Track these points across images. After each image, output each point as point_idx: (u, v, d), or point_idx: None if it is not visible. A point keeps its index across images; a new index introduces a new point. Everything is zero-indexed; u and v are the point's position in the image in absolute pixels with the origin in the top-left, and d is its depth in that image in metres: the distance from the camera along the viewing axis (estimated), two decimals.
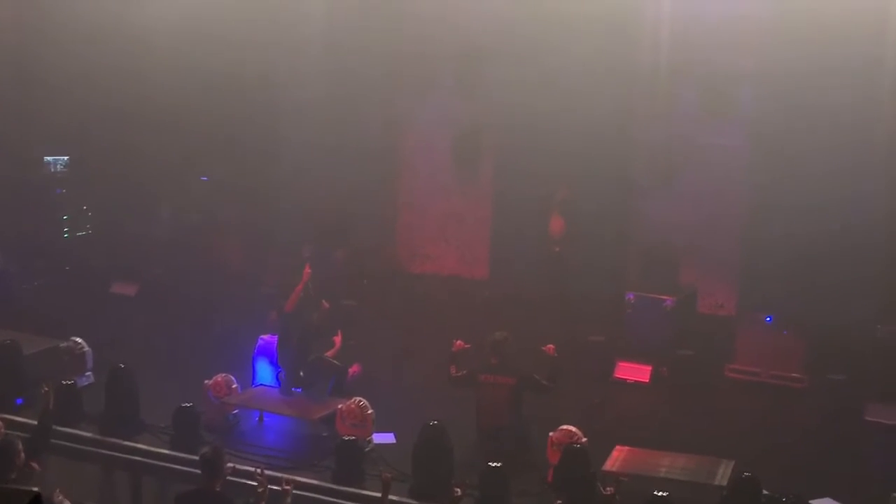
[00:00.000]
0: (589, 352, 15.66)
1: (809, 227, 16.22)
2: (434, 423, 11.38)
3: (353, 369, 13.58)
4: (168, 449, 12.21)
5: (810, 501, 10.96)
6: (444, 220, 20.10)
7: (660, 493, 9.75)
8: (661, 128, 17.87)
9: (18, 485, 8.86)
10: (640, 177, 18.12)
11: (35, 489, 5.95)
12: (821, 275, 15.97)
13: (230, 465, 9.88)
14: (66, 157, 19.44)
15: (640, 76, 17.64)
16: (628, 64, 17.59)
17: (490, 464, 10.86)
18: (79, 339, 13.92)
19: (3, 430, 9.92)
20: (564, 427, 11.39)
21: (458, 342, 12.80)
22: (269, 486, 9.32)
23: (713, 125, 17.59)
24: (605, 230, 17.87)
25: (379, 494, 9.90)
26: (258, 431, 12.90)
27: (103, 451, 12.35)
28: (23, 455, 9.18)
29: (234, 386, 12.96)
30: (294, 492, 9.66)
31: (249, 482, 10.19)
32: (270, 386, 13.53)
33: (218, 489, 9.49)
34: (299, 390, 13.19)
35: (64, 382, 12.55)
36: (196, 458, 10.51)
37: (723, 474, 11.04)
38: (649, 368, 15.14)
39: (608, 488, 9.21)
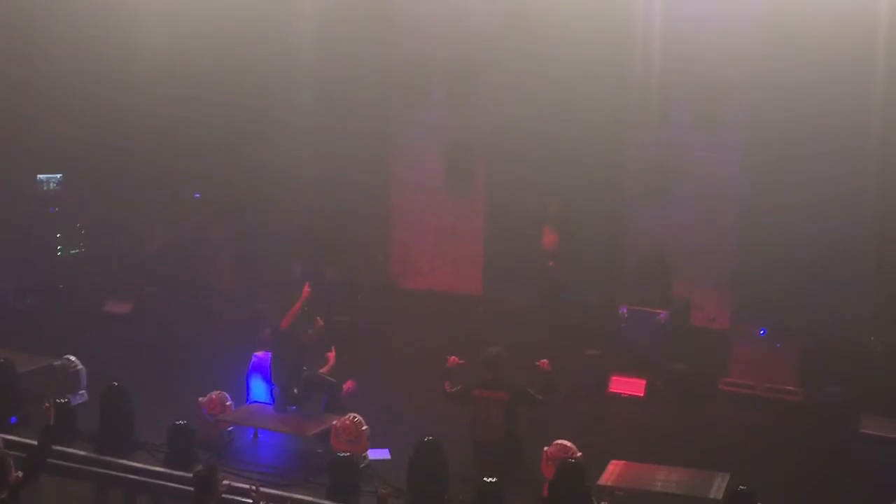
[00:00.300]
0: (583, 366, 15.64)
1: (803, 239, 16.26)
2: (429, 439, 11.38)
3: (348, 385, 13.56)
4: (162, 467, 12.18)
5: None
6: (437, 236, 20.07)
7: None
8: (653, 140, 17.89)
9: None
10: (632, 190, 18.14)
11: None
12: (815, 287, 16.01)
13: (225, 482, 9.84)
14: (58, 175, 19.41)
15: (632, 88, 17.67)
16: (620, 76, 17.63)
17: (485, 479, 10.85)
18: (73, 358, 13.90)
19: (1, 447, 9.86)
20: (559, 441, 11.37)
21: (453, 358, 12.81)
22: None
23: (706, 137, 17.60)
24: (598, 244, 17.89)
25: None
26: (253, 448, 12.88)
27: (98, 470, 12.31)
28: (15, 472, 9.13)
29: (228, 403, 12.94)
30: None
31: (244, 500, 10.17)
32: (265, 403, 13.50)
33: None
34: (294, 408, 13.17)
35: (58, 401, 12.49)
36: (190, 475, 10.49)
37: (718, 488, 11.02)
38: (644, 382, 15.11)
39: (603, 503, 9.19)
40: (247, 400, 13.78)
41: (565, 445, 11.30)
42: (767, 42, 16.64)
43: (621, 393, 15.12)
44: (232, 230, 19.49)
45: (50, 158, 19.25)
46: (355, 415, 12.21)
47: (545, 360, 12.55)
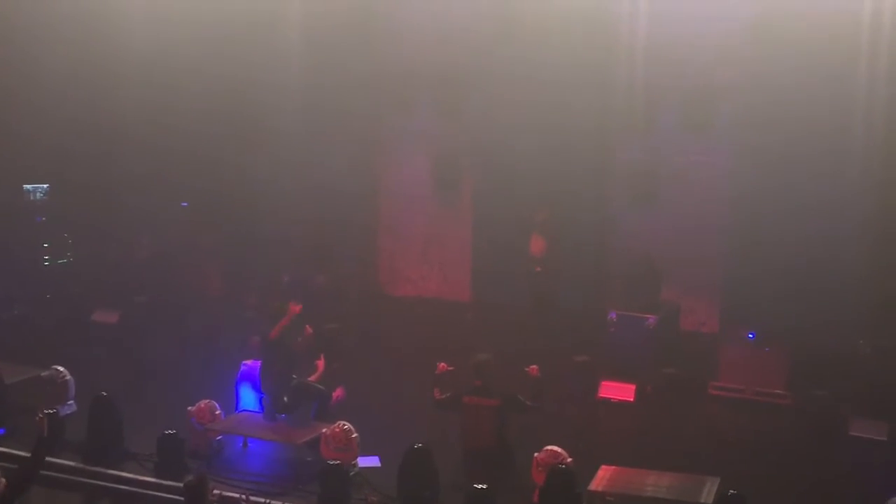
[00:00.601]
0: (573, 372, 15.64)
1: (791, 243, 16.29)
2: (419, 446, 11.37)
3: (337, 393, 13.54)
4: (152, 477, 12.14)
5: None
6: (425, 243, 20.09)
7: None
8: (641, 145, 17.93)
9: None
10: (621, 195, 18.15)
11: None
12: (803, 291, 16.04)
13: (216, 491, 9.84)
14: (45, 185, 19.37)
15: (621, 94, 17.69)
16: (608, 82, 17.66)
17: (476, 485, 10.84)
18: (61, 368, 13.84)
19: None
20: (549, 447, 11.36)
21: (442, 365, 12.83)
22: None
23: (694, 141, 17.66)
24: (586, 249, 17.91)
25: None
26: (243, 457, 12.85)
27: (87, 480, 12.27)
28: (3, 481, 9.11)
29: (217, 412, 12.91)
30: None
31: None
32: (254, 411, 13.48)
33: None
34: (284, 417, 13.14)
35: (47, 411, 12.45)
36: (181, 486, 10.47)
37: (708, 492, 11.04)
38: (633, 387, 15.12)
39: None
40: (236, 409, 13.75)
41: (556, 451, 11.30)
42: (756, 45, 16.70)
43: (611, 398, 15.12)
44: (220, 239, 19.46)
45: (37, 168, 19.21)
46: (345, 422, 12.18)
47: (534, 367, 12.58)
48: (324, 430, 12.20)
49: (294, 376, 13.24)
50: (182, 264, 19.21)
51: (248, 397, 13.80)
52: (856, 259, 16.24)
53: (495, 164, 18.56)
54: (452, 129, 19.31)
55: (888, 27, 16.08)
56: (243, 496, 9.96)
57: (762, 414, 14.67)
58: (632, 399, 15.08)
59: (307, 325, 13.47)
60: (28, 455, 11.40)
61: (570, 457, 11.24)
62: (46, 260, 19.27)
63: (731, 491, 10.36)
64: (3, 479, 9.12)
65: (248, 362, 13.97)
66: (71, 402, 13.74)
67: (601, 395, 15.17)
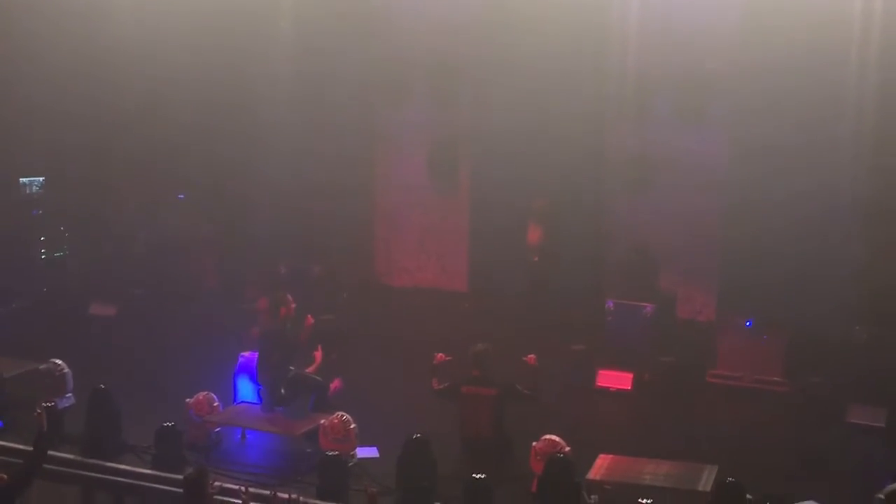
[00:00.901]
0: (570, 361, 15.65)
1: (788, 230, 16.29)
2: (417, 436, 11.39)
3: (335, 384, 13.54)
4: (150, 469, 12.15)
5: None
6: (422, 233, 20.06)
7: (644, 501, 9.77)
8: (637, 133, 17.90)
9: None
10: (617, 184, 18.13)
11: None
12: (800, 278, 16.05)
13: (217, 483, 9.85)
14: (41, 178, 19.33)
15: (615, 82, 17.67)
16: (603, 70, 17.63)
17: (474, 475, 10.86)
18: (59, 361, 13.84)
19: None
20: (547, 437, 11.39)
21: (440, 355, 12.84)
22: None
23: (690, 129, 17.62)
24: (583, 238, 17.89)
25: None
26: (241, 449, 12.86)
27: (85, 473, 12.28)
28: (3, 476, 9.12)
29: (215, 404, 12.91)
30: None
31: (234, 501, 10.16)
32: (252, 403, 13.47)
33: None
34: (282, 410, 13.14)
35: (45, 405, 12.46)
36: (179, 477, 10.48)
37: (706, 480, 11.06)
38: (631, 376, 15.12)
39: (593, 497, 9.22)
40: (234, 400, 13.75)
41: (554, 440, 11.33)
42: (751, 32, 16.65)
43: (609, 387, 15.12)
44: (216, 230, 19.44)
45: (32, 161, 19.17)
46: (343, 413, 12.20)
47: (532, 356, 12.59)
48: (322, 422, 12.22)
49: (291, 368, 13.24)
50: (179, 257, 19.17)
51: (246, 389, 13.79)
52: (852, 246, 16.24)
53: (492, 153, 18.51)
54: (448, 118, 19.27)
55: (880, 13, 16.05)
56: (242, 488, 9.95)
57: (759, 401, 14.68)
58: (629, 388, 15.08)
59: (309, 315, 13.46)
60: (28, 449, 11.47)
61: (569, 446, 11.27)
62: (43, 253, 19.23)
63: (730, 478, 10.40)
64: (4, 475, 9.13)
65: (246, 354, 13.96)
66: (69, 394, 13.74)
67: (599, 383, 15.17)
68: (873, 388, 14.09)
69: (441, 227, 19.86)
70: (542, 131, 17.56)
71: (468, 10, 18.45)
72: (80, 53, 18.73)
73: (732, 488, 10.25)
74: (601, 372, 15.23)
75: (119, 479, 12.17)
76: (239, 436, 13.04)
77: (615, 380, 15.14)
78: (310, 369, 13.40)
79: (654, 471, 11.36)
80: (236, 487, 10.47)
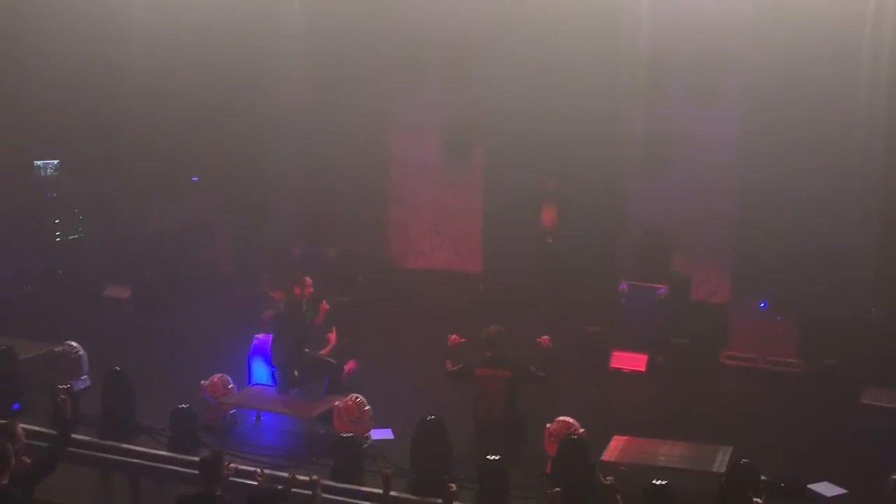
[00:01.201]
0: (584, 342, 15.65)
1: (802, 210, 16.25)
2: (431, 418, 11.39)
3: (349, 366, 13.56)
4: (166, 450, 12.21)
5: (808, 486, 11.02)
6: (436, 215, 20.07)
7: (658, 482, 9.75)
8: (651, 114, 17.84)
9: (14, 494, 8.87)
10: (631, 165, 18.09)
11: None
12: (814, 259, 16.00)
13: (232, 465, 9.87)
14: (55, 161, 19.38)
15: (630, 65, 17.61)
16: (618, 53, 17.58)
17: (488, 457, 10.88)
18: (74, 343, 13.91)
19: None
20: (562, 418, 11.39)
21: (453, 336, 12.84)
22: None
23: (704, 109, 17.57)
24: (597, 219, 17.85)
25: (377, 490, 9.93)
26: (256, 431, 12.90)
27: (101, 455, 12.34)
28: (21, 459, 9.16)
29: (230, 386, 12.95)
30: (292, 490, 9.69)
31: (249, 482, 10.18)
32: (267, 385, 13.51)
33: (218, 492, 9.48)
34: (296, 392, 13.17)
35: (60, 387, 12.51)
36: (194, 458, 10.51)
37: (721, 461, 11.06)
38: (645, 357, 15.13)
39: (608, 478, 9.22)
40: (249, 382, 13.78)
41: (568, 422, 11.33)
42: (765, 11, 16.59)
43: (623, 368, 15.14)
44: (231, 212, 19.45)
45: (47, 144, 19.20)
46: (358, 395, 12.22)
47: (546, 337, 12.59)
48: (336, 403, 12.24)
49: (306, 350, 13.27)
50: (193, 238, 19.22)
51: (260, 371, 13.83)
52: (867, 226, 16.19)
53: (505, 134, 18.46)
54: (462, 99, 19.25)
55: None
56: (258, 470, 9.99)
57: (774, 382, 14.67)
58: (643, 369, 15.10)
59: (324, 301, 13.48)
60: (44, 431, 11.53)
61: (583, 427, 11.27)
62: (58, 236, 19.29)
63: (744, 460, 10.39)
64: (27, 459, 9.17)
65: (261, 336, 14.00)
66: (84, 376, 13.81)
67: (613, 365, 15.18)
68: (888, 370, 14.04)
69: (455, 209, 19.86)
70: (555, 112, 17.48)
71: None
72: (94, 36, 18.74)
73: (747, 469, 10.23)
74: (615, 353, 15.24)
75: (135, 460, 12.23)
76: (254, 418, 13.08)
77: (629, 361, 15.15)
78: (324, 351, 13.44)
79: (668, 452, 11.37)
80: (251, 469, 10.48)
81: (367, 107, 19.57)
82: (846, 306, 15.60)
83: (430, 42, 19.18)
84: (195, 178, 19.94)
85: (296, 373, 13.11)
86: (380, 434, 12.33)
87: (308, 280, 13.40)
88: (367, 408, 12.11)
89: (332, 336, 13.58)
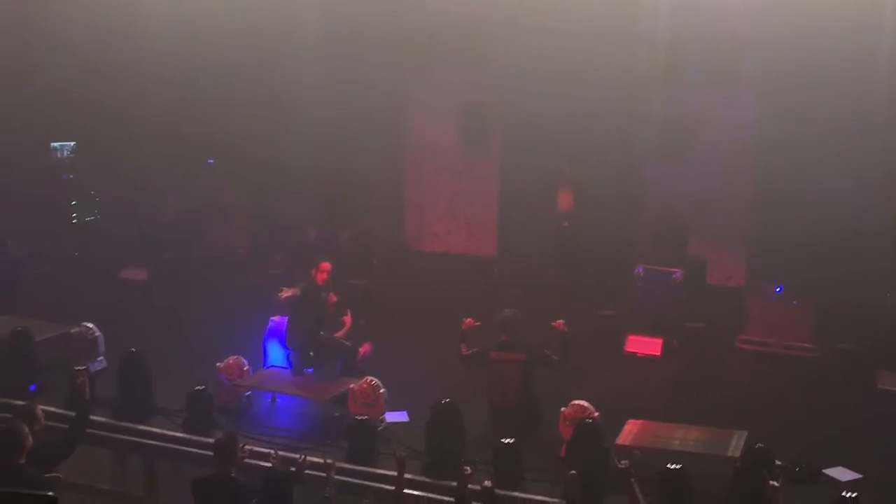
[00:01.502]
0: (599, 326, 15.64)
1: (818, 195, 16.18)
2: (446, 401, 11.41)
3: (364, 349, 13.59)
4: (181, 432, 12.27)
5: (823, 470, 11.02)
6: (452, 198, 20.04)
7: (673, 466, 9.76)
8: (668, 97, 17.77)
9: (31, 473, 8.93)
10: (647, 148, 18.03)
11: (50, 493, 5.99)
12: (830, 244, 15.94)
13: (247, 447, 9.91)
14: (72, 143, 19.42)
15: (647, 48, 17.55)
16: (635, 35, 17.51)
17: (503, 440, 10.90)
18: (90, 325, 13.95)
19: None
20: (576, 402, 11.39)
21: (468, 320, 12.84)
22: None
23: (720, 94, 17.49)
24: (612, 203, 17.81)
25: (392, 472, 9.95)
26: (271, 413, 12.94)
27: (117, 436, 12.41)
28: (30, 440, 9.21)
29: (245, 368, 12.98)
30: (306, 472, 9.72)
31: (264, 464, 10.22)
32: (282, 367, 13.54)
33: (233, 474, 9.52)
34: (311, 371, 13.20)
35: (77, 368, 12.57)
36: (209, 440, 10.55)
37: (736, 445, 11.05)
38: (660, 341, 15.10)
39: (623, 462, 9.24)
40: (264, 364, 13.81)
41: (582, 406, 11.32)
42: None
43: (638, 352, 15.11)
44: (246, 195, 19.47)
45: (63, 126, 19.24)
46: (373, 378, 12.25)
47: (561, 321, 12.59)
48: (352, 386, 12.27)
49: (321, 332, 13.29)
50: (209, 221, 19.24)
51: (275, 353, 13.85)
52: (884, 211, 16.13)
53: (522, 116, 18.42)
54: (478, 81, 19.20)
55: None
56: (273, 452, 10.02)
57: (789, 367, 14.64)
58: (659, 353, 15.06)
59: (331, 294, 13.48)
60: (61, 412, 11.59)
61: (597, 411, 11.27)
62: (74, 217, 19.35)
63: (759, 444, 10.39)
64: (29, 437, 9.22)
65: (276, 318, 14.01)
66: (101, 358, 13.85)
67: (628, 349, 15.17)
68: None
69: (471, 192, 19.84)
70: (572, 95, 17.43)
71: None
72: (111, 18, 18.74)
73: (761, 454, 10.24)
74: (630, 337, 15.22)
75: (150, 441, 12.30)
76: (269, 400, 13.11)
77: (644, 345, 15.12)
78: (339, 334, 13.46)
79: (683, 436, 11.36)
80: (266, 451, 10.52)
81: (382, 88, 19.53)
82: (862, 291, 15.54)
83: (446, 24, 19.12)
84: (211, 161, 19.95)
85: (311, 353, 13.13)
86: (395, 416, 12.36)
87: (326, 265, 13.41)
88: (381, 390, 12.14)
89: (348, 319, 13.59)
